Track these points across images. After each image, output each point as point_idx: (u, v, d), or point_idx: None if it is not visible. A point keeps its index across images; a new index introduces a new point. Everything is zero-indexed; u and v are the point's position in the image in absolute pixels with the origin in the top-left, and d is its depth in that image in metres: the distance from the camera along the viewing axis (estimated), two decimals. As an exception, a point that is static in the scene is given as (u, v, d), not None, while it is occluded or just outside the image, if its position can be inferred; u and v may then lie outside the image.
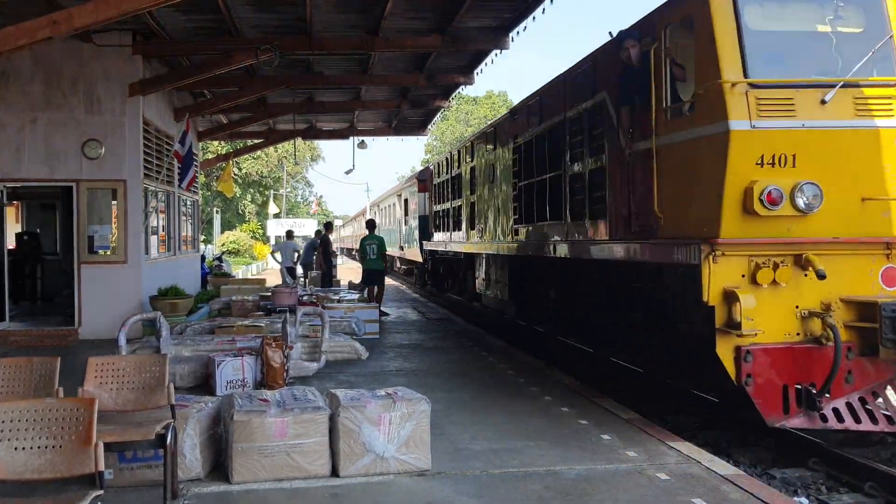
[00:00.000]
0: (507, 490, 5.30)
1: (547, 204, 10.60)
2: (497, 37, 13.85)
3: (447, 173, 19.10)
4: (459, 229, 17.26)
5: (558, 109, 10.23)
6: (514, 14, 12.93)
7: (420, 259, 24.65)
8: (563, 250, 9.94)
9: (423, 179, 24.26)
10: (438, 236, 20.30)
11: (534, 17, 12.68)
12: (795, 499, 5.47)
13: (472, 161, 15.95)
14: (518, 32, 13.52)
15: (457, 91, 19.92)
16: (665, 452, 6.12)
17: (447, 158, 19.43)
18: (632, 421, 7.20)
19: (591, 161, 9.10)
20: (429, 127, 25.18)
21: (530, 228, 11.52)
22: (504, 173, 13.05)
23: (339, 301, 14.49)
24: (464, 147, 17.18)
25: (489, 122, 14.67)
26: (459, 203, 17.24)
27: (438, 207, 20.34)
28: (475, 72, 16.67)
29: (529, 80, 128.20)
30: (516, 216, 12.20)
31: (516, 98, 73.12)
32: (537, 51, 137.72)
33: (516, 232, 12.18)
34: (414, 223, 25.20)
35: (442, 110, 22.61)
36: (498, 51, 14.53)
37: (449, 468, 5.74)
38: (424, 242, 22.82)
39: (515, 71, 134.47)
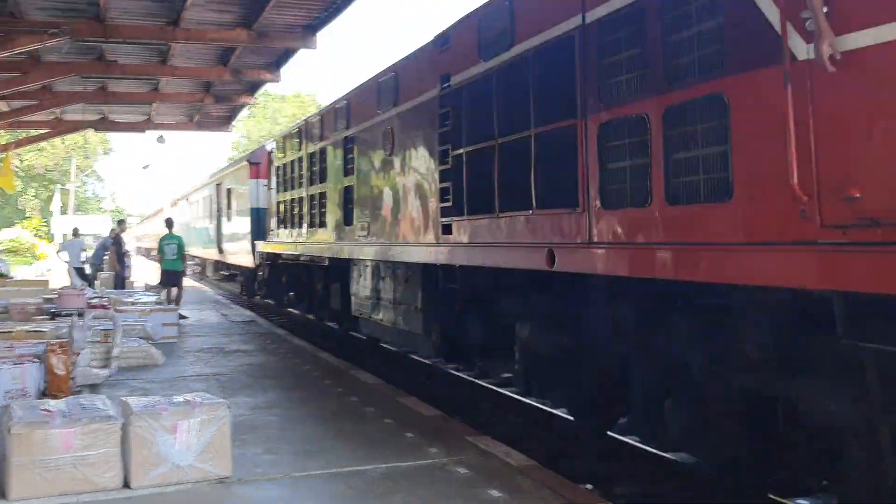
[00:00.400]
0: (311, 492, 5.27)
1: (532, 182, 6.29)
2: (305, 35, 13.81)
3: (300, 150, 14.30)
4: (322, 225, 12.90)
5: (566, 12, 5.87)
6: (323, 13, 12.92)
7: (250, 264, 20.00)
8: (573, 261, 5.80)
9: (258, 162, 19.76)
10: (285, 234, 15.68)
11: (344, 20, 12.76)
12: (581, 486, 5.84)
13: (346, 129, 11.46)
14: (330, 32, 13.55)
15: (263, 87, 19.60)
16: (464, 448, 6.33)
17: (300, 130, 14.50)
18: (434, 418, 7.40)
19: (678, 91, 4.73)
20: (233, 123, 24.57)
21: (479, 223, 7.33)
22: (416, 139, 8.92)
23: (133, 304, 13.87)
24: (331, 112, 12.50)
25: (384, 69, 10.19)
26: (322, 189, 12.85)
27: (285, 197, 15.66)
28: (282, 69, 16.54)
29: (341, 84, 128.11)
30: (446, 203, 8.06)
31: (325, 100, 72.75)
32: (350, 57, 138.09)
33: (446, 229, 8.07)
34: (242, 219, 21.10)
35: (248, 106, 22.14)
36: (306, 49, 14.47)
37: (251, 474, 5.62)
38: (258, 243, 18.28)
39: (327, 74, 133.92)
